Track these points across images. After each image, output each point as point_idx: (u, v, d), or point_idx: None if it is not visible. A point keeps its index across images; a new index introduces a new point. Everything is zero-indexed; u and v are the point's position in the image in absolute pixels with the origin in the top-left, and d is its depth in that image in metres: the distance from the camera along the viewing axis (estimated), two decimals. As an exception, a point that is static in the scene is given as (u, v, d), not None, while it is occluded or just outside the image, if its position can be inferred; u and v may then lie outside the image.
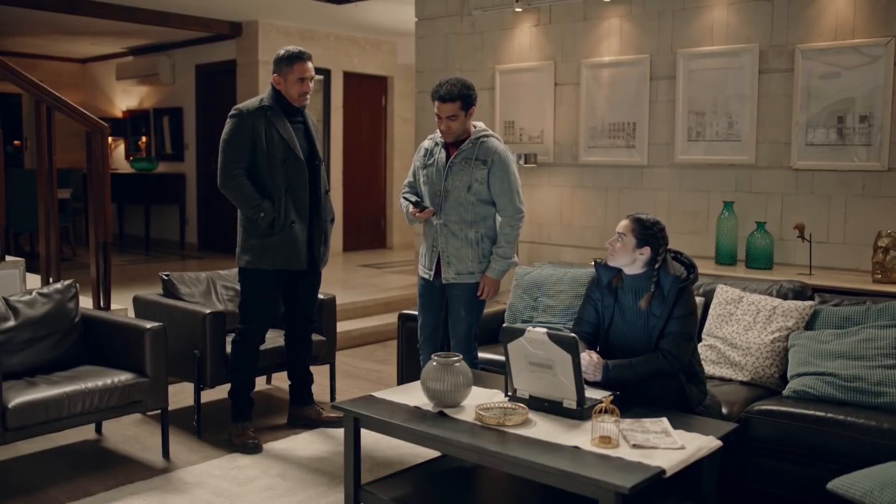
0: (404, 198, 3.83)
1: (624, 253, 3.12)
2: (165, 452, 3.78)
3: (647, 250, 3.11)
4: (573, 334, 2.82)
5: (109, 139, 11.70)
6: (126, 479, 3.52)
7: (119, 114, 11.78)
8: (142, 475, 3.56)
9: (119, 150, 11.79)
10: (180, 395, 4.50)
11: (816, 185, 4.99)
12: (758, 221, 4.94)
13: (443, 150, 3.73)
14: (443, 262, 3.70)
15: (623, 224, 3.15)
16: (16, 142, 11.85)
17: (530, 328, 2.84)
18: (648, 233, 3.13)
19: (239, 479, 3.55)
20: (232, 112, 3.82)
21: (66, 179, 9.75)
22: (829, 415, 3.01)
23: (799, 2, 4.99)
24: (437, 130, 3.75)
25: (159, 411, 3.76)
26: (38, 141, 4.58)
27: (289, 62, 3.83)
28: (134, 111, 11.50)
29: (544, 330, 2.82)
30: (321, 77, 9.60)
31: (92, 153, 4.83)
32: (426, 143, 3.84)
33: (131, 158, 11.35)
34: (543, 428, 2.73)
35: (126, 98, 11.66)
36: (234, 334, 4.01)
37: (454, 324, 3.79)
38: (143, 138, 11.33)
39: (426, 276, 3.81)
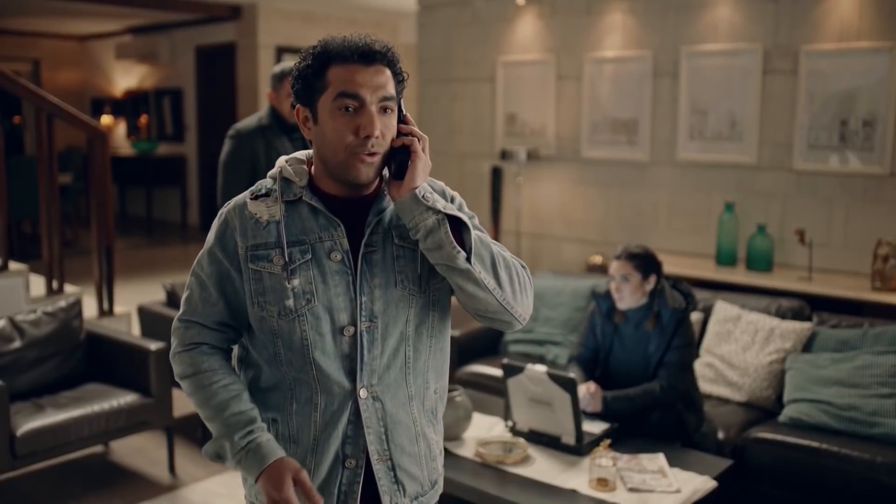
0: None
1: (634, 292, 3.11)
2: (171, 467, 3.84)
3: (653, 278, 3.14)
4: (572, 375, 2.85)
5: (110, 118, 11.70)
6: (133, 497, 3.59)
7: (119, 93, 11.71)
8: (148, 493, 3.63)
9: (120, 129, 11.74)
10: (184, 399, 4.54)
11: (818, 188, 4.99)
12: (759, 224, 4.95)
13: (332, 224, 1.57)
14: (382, 485, 1.58)
15: (619, 265, 3.11)
16: (16, 117, 11.81)
17: (530, 366, 2.88)
18: (647, 261, 3.15)
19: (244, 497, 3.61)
20: (230, 133, 3.82)
21: (67, 162, 9.72)
22: (824, 445, 3.05)
23: (804, 3, 4.93)
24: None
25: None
26: (40, 154, 4.57)
27: (280, 78, 3.84)
28: (134, 91, 11.43)
29: (544, 368, 2.85)
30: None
31: (93, 159, 4.82)
32: (257, 208, 1.60)
33: (132, 139, 11.32)
34: (542, 466, 2.77)
35: (126, 77, 11.58)
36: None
37: None
38: (144, 116, 11.28)
39: None
